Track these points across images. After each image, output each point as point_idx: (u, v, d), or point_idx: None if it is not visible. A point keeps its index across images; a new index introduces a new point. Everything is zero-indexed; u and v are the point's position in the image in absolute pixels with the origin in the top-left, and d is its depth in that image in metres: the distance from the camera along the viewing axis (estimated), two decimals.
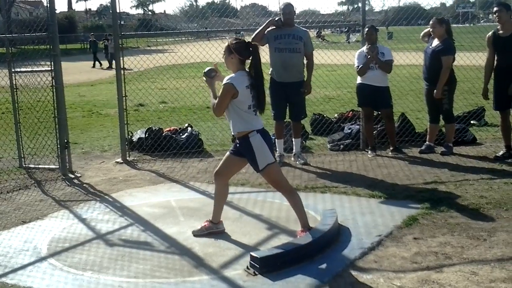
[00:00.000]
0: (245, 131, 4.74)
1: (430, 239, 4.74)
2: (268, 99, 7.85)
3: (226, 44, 4.78)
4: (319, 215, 5.34)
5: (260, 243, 4.86)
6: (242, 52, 4.72)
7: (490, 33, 7.49)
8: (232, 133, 4.91)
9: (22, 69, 8.13)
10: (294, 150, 7.86)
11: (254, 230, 5.20)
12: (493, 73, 7.47)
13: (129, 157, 8.49)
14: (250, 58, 4.76)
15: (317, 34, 33.04)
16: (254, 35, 7.61)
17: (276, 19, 7.55)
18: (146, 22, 19.58)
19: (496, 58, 7.40)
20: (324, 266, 4.32)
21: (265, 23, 7.56)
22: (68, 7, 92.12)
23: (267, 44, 7.58)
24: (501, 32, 7.32)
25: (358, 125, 8.69)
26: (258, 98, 4.76)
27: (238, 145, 4.90)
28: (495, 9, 7.31)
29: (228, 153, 5.08)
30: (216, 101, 4.75)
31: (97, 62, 30.98)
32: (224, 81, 4.69)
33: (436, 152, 7.93)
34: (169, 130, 9.14)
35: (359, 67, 7.94)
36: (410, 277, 4.03)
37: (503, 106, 7.43)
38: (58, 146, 7.68)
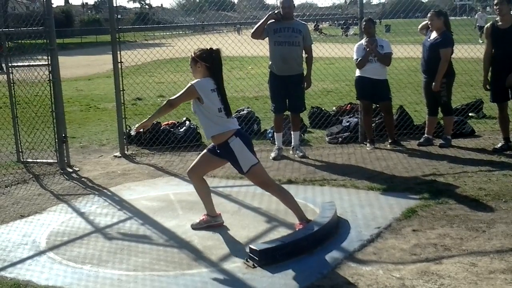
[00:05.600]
0: (220, 134, 4.70)
1: (429, 231, 4.74)
2: (267, 92, 7.87)
3: (191, 56, 4.82)
4: (318, 207, 5.34)
5: (259, 236, 4.85)
6: (206, 59, 4.75)
7: (488, 25, 7.47)
8: (207, 139, 4.88)
9: (19, 64, 8.10)
10: (292, 143, 7.86)
11: (253, 223, 5.20)
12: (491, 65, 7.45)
13: (127, 151, 8.48)
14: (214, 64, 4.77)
15: (315, 27, 32.98)
16: (254, 29, 7.62)
17: (276, 12, 7.55)
18: (143, 16, 19.54)
19: (494, 49, 7.39)
20: (323, 258, 4.31)
21: (265, 17, 7.55)
22: (64, 1, 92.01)
23: (266, 38, 7.60)
24: (500, 24, 7.30)
25: (356, 118, 8.69)
26: (223, 101, 4.75)
27: (218, 150, 4.87)
28: (495, 1, 7.28)
29: (205, 151, 5.05)
30: (176, 95, 4.75)
31: None
32: (189, 83, 4.72)
33: (435, 144, 7.93)
34: (167, 124, 9.13)
35: (358, 60, 7.92)
36: (409, 269, 4.03)
37: (500, 98, 7.42)
38: (56, 141, 7.67)
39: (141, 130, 5.05)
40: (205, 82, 4.72)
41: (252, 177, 4.86)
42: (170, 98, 4.78)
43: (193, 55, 4.81)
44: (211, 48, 4.82)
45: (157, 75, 15.53)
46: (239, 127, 4.87)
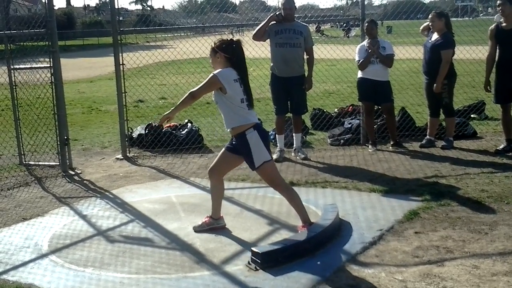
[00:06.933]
0: (240, 126, 4.71)
1: (431, 233, 4.73)
2: (268, 94, 7.87)
3: (210, 46, 4.82)
4: (320, 210, 5.34)
5: (261, 239, 4.85)
6: (226, 50, 4.74)
7: (493, 26, 7.46)
8: (226, 129, 4.88)
9: (21, 66, 8.11)
10: (294, 145, 7.86)
11: (255, 226, 5.19)
12: (494, 66, 7.44)
13: (129, 153, 8.48)
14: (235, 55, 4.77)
15: (317, 29, 32.95)
16: (256, 31, 7.63)
17: (277, 13, 7.55)
18: (145, 17, 19.54)
19: (498, 51, 7.37)
20: (325, 261, 4.31)
21: (267, 19, 7.56)
22: (66, 4, 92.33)
23: (268, 40, 7.60)
24: (504, 25, 7.29)
25: (358, 119, 8.69)
26: (246, 92, 4.76)
27: (234, 142, 4.89)
28: (498, 2, 7.28)
29: (223, 149, 5.07)
30: (197, 87, 4.75)
31: None
32: (211, 73, 4.72)
33: (437, 146, 7.92)
34: (169, 126, 9.11)
35: (360, 61, 7.93)
36: (412, 271, 4.03)
37: (504, 99, 7.40)
38: (58, 143, 7.67)
39: (163, 124, 5.01)
40: (228, 71, 4.71)
41: (263, 174, 4.86)
42: (192, 90, 4.77)
43: (212, 45, 4.80)
44: (231, 39, 4.81)
45: (159, 77, 15.54)
46: (258, 121, 4.87)
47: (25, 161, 8.08)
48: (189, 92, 4.79)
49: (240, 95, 4.71)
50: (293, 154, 7.85)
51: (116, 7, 8.40)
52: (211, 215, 5.13)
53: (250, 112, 4.78)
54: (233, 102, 4.69)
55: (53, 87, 7.59)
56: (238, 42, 4.80)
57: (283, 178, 6.60)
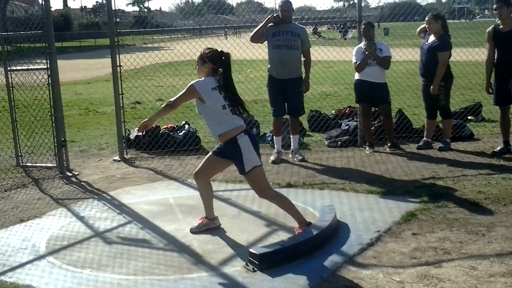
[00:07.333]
0: (229, 131, 4.69)
1: (429, 235, 4.74)
2: (266, 96, 7.87)
3: (199, 53, 4.82)
4: (318, 211, 5.35)
5: (258, 240, 4.85)
6: (215, 61, 4.74)
7: (490, 28, 7.47)
8: (212, 138, 4.86)
9: (18, 67, 8.10)
10: (292, 147, 7.86)
11: (253, 227, 5.20)
12: (493, 68, 7.45)
13: (126, 155, 8.47)
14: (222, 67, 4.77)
15: (314, 31, 32.98)
16: (253, 33, 7.64)
17: (274, 15, 7.55)
18: (142, 19, 19.55)
19: (496, 53, 7.39)
20: (323, 262, 4.31)
21: (264, 21, 7.56)
22: (63, 5, 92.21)
23: (265, 42, 7.61)
24: (501, 27, 7.30)
25: (355, 121, 8.70)
26: (228, 98, 4.71)
27: (222, 146, 4.86)
28: (495, 5, 7.30)
29: (210, 153, 5.04)
30: (176, 96, 4.75)
31: None
32: (190, 83, 4.72)
33: (434, 148, 7.93)
34: (167, 128, 9.13)
35: (357, 63, 7.93)
36: (409, 272, 4.03)
37: (503, 101, 7.41)
38: (55, 144, 7.67)
39: (143, 131, 5.02)
40: (206, 81, 4.71)
41: (251, 179, 4.82)
42: (170, 99, 4.77)
43: (202, 54, 4.79)
44: (221, 51, 4.81)
45: (156, 78, 15.50)
46: (246, 126, 4.86)
47: (22, 163, 8.07)
48: (167, 101, 4.79)
49: (220, 102, 4.68)
50: (290, 155, 7.86)
51: (113, 8, 8.40)
52: (206, 216, 5.14)
53: (235, 117, 4.75)
54: (214, 110, 4.68)
55: (50, 88, 7.58)
56: (227, 55, 4.78)
57: (281, 179, 6.67)
